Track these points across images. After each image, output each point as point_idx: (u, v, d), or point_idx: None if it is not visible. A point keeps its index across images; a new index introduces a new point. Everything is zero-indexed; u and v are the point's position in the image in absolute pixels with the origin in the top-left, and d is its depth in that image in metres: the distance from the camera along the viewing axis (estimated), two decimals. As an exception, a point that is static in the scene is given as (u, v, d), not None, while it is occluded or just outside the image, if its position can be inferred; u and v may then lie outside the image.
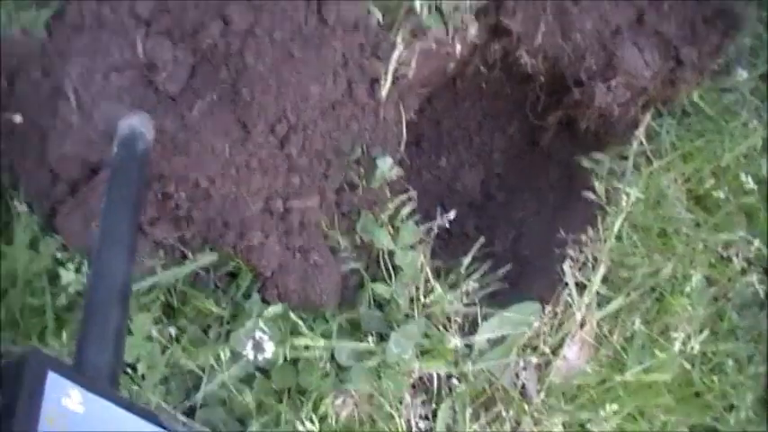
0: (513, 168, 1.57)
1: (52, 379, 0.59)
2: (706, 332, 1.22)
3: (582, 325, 1.21)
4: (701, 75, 1.27)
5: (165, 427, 0.67)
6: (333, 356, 1.14)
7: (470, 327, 1.19)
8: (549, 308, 1.20)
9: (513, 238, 1.47)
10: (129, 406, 0.66)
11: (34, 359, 0.59)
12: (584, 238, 1.25)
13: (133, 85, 1.18)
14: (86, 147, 1.13)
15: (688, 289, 1.24)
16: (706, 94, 1.35)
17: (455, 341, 1.15)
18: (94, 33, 1.19)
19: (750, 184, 1.31)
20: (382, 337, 1.16)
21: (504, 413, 1.16)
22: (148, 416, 0.66)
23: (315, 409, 1.11)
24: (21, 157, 1.17)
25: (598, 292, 1.23)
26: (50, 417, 0.56)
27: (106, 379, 0.69)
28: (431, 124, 1.56)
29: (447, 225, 1.21)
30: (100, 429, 0.61)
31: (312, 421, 1.09)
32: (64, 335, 1.09)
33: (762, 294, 1.29)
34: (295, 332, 1.13)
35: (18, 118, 1.15)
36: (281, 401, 1.13)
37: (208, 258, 1.15)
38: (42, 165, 1.15)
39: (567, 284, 1.22)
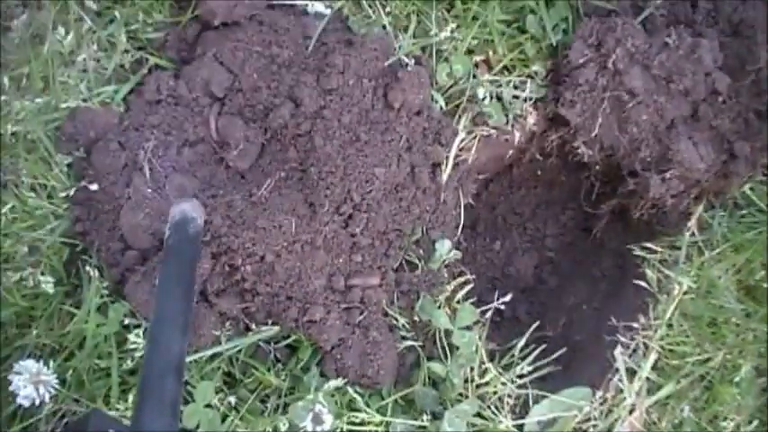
0: (566, 255, 1.66)
1: None
2: (755, 422, 1.29)
3: (631, 411, 1.28)
4: (753, 168, 1.34)
5: None
6: (387, 432, 1.22)
7: (522, 409, 1.27)
8: (599, 393, 1.29)
9: (564, 323, 1.54)
10: None
11: (97, 418, 0.64)
12: (635, 325, 1.34)
13: (205, 161, 1.30)
14: (158, 218, 1.24)
15: (737, 378, 1.30)
16: (757, 186, 1.42)
17: (507, 422, 1.23)
18: (170, 109, 1.31)
19: (800, 276, 1.38)
20: (435, 416, 1.24)
21: (553, 497, 1.23)
22: None
23: (369, 483, 1.19)
24: (94, 225, 1.27)
25: (648, 379, 1.30)
26: None
27: None
28: (487, 209, 1.66)
29: (501, 308, 1.30)
30: None
31: (366, 496, 1.18)
32: (129, 398, 1.19)
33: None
34: (352, 407, 1.21)
35: (94, 186, 1.26)
36: (335, 474, 1.21)
37: (270, 331, 1.25)
38: (115, 233, 1.26)
39: (617, 370, 1.30)
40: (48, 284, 1.25)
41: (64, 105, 1.31)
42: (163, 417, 0.84)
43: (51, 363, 1.16)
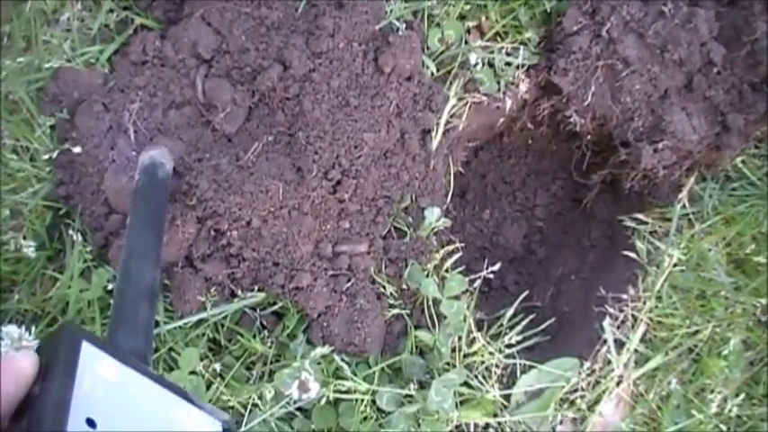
0: (556, 225, 1.66)
1: (87, 349, 0.62)
2: (742, 396, 1.29)
3: (619, 382, 1.29)
4: (746, 141, 1.34)
5: (194, 404, 0.70)
6: (374, 401, 1.22)
7: (509, 379, 1.27)
8: (587, 364, 1.29)
9: (552, 293, 1.54)
10: (161, 380, 0.70)
11: (69, 330, 0.63)
12: (624, 296, 1.34)
13: (191, 124, 1.28)
14: (142, 181, 1.22)
15: (726, 351, 1.31)
16: (749, 159, 1.42)
17: (494, 392, 1.23)
18: (156, 70, 1.29)
19: (791, 250, 1.38)
20: (422, 385, 1.24)
21: (539, 466, 1.24)
22: (179, 391, 0.70)
23: (354, 451, 1.19)
24: (78, 188, 1.25)
25: (636, 351, 1.30)
26: (85, 381, 0.60)
27: (138, 359, 0.72)
28: (476, 177, 1.65)
29: (489, 277, 1.29)
30: (133, 398, 0.65)
31: (351, 463, 1.17)
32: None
33: (799, 361, 1.36)
34: (338, 375, 1.21)
35: (78, 149, 1.24)
36: (320, 442, 1.21)
37: (256, 298, 1.24)
38: (98, 196, 1.24)
39: (605, 342, 1.30)
40: (30, 249, 1.23)
41: (47, 65, 1.29)
42: (137, 338, 0.85)
43: (33, 328, 1.13)
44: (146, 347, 0.86)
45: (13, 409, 0.56)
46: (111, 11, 1.33)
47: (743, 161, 1.42)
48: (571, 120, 1.36)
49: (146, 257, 0.98)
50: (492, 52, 1.36)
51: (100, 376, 0.63)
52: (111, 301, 1.18)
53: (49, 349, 0.61)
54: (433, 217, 1.30)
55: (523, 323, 1.28)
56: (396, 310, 1.26)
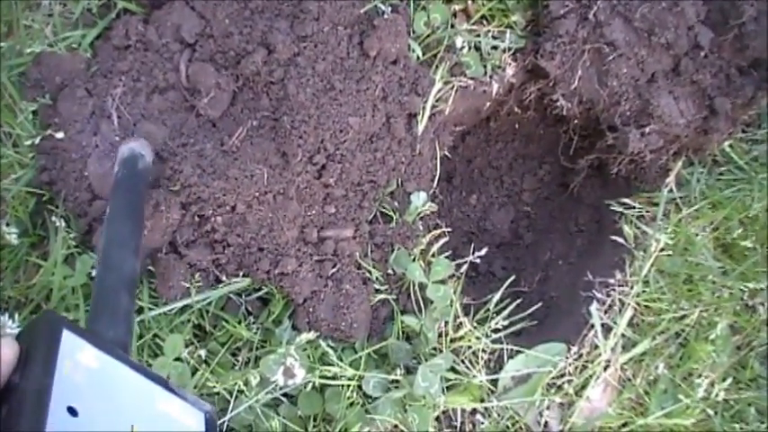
0: (543, 210, 1.66)
1: (67, 336, 0.62)
2: (729, 380, 1.30)
3: (606, 367, 1.29)
4: (733, 125, 1.34)
5: (176, 393, 0.71)
6: (360, 386, 1.22)
7: (496, 364, 1.27)
8: (574, 349, 1.29)
9: (539, 278, 1.54)
10: (141, 368, 0.70)
11: (50, 318, 0.63)
12: (611, 281, 1.34)
13: (174, 108, 1.27)
14: (126, 167, 1.21)
15: (713, 336, 1.31)
16: (737, 144, 1.42)
17: (481, 377, 1.23)
18: (139, 55, 1.28)
19: (778, 234, 1.38)
20: (409, 370, 1.24)
21: (526, 451, 1.24)
22: (159, 380, 0.71)
23: (340, 437, 1.19)
24: (61, 174, 1.24)
25: (623, 336, 1.30)
26: (66, 369, 0.60)
27: (119, 348, 0.72)
28: (463, 162, 1.65)
29: (476, 262, 1.29)
30: (115, 387, 0.65)
31: (337, 449, 1.17)
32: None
33: (786, 345, 1.36)
34: (324, 361, 1.21)
35: (60, 134, 1.24)
36: (306, 428, 1.21)
37: (241, 283, 1.24)
38: (82, 182, 1.23)
39: (593, 326, 1.30)
40: (12, 235, 1.23)
41: (29, 50, 1.28)
42: (117, 327, 0.85)
43: (17, 315, 1.14)
44: (126, 336, 0.86)
45: None
46: (94, -6, 1.32)
47: (730, 145, 1.43)
48: (558, 104, 1.36)
49: (125, 247, 0.98)
50: (478, 36, 1.36)
51: (81, 365, 0.63)
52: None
53: (30, 337, 0.61)
54: (420, 201, 1.30)
55: (510, 308, 1.27)
56: (382, 296, 1.26)
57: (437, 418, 1.23)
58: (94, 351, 0.66)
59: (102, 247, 0.98)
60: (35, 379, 0.57)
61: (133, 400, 0.67)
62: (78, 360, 0.63)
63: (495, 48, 1.37)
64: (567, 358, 1.28)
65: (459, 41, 1.33)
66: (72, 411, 0.58)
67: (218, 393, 1.18)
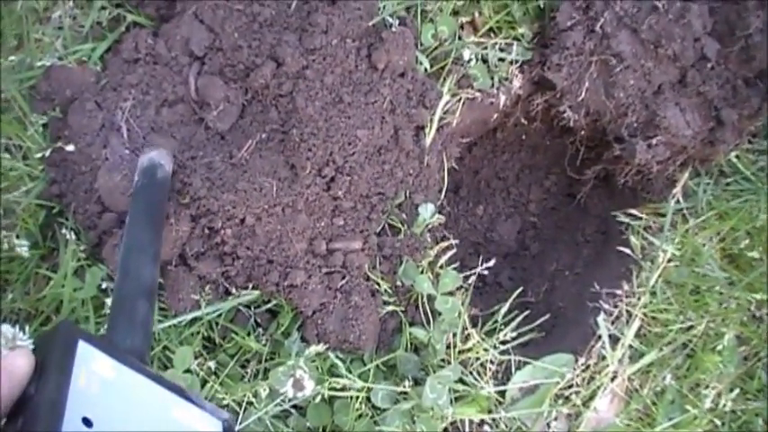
0: (549, 220, 1.66)
1: (83, 347, 0.63)
2: (736, 391, 1.30)
3: (613, 378, 1.29)
4: (740, 136, 1.34)
5: (194, 402, 0.70)
6: (369, 398, 1.22)
7: (504, 375, 1.28)
8: (581, 360, 1.29)
9: (546, 289, 1.54)
10: (157, 378, 0.70)
11: (65, 329, 0.63)
12: (618, 292, 1.35)
13: (184, 121, 1.28)
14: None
15: (720, 347, 1.31)
16: (743, 154, 1.42)
17: (489, 388, 1.23)
18: (148, 68, 1.29)
19: (785, 245, 1.39)
20: (417, 382, 1.24)
21: (534, 462, 1.24)
22: (178, 390, 0.70)
23: (350, 448, 1.19)
24: (71, 186, 1.25)
25: (630, 346, 1.31)
26: (81, 380, 0.60)
27: (136, 358, 0.72)
28: (470, 173, 1.65)
29: (483, 273, 1.30)
30: (131, 397, 0.65)
31: (347, 461, 1.18)
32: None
33: (793, 356, 1.37)
34: (333, 372, 1.21)
35: (70, 147, 1.24)
36: (315, 440, 1.22)
37: (250, 295, 1.24)
38: (91, 195, 1.24)
39: (600, 337, 1.31)
40: (23, 248, 1.23)
41: (39, 64, 1.28)
42: (135, 336, 0.85)
43: (27, 327, 1.14)
44: (144, 345, 0.86)
45: (9, 408, 0.56)
46: (104, 8, 1.33)
47: (737, 156, 1.43)
48: (565, 115, 1.37)
49: (144, 255, 0.98)
50: (485, 48, 1.37)
51: (96, 375, 0.63)
52: (109, 300, 1.19)
53: (45, 348, 0.61)
54: (427, 213, 1.30)
55: (518, 319, 1.28)
56: (390, 307, 1.26)
57: (445, 430, 1.23)
58: (110, 361, 0.66)
59: (122, 254, 0.98)
60: (50, 390, 0.57)
61: (149, 409, 0.67)
62: (94, 370, 0.63)
63: (502, 60, 1.38)
64: (575, 369, 1.28)
65: (466, 54, 1.34)
66: (87, 422, 0.58)
67: (227, 405, 1.19)
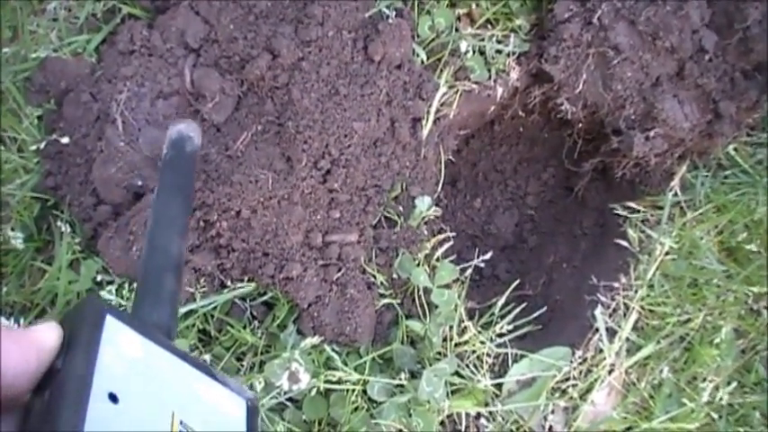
0: (547, 213, 1.66)
1: (110, 322, 0.61)
2: (734, 384, 1.30)
3: (611, 371, 1.29)
4: (738, 128, 1.34)
5: (218, 380, 0.69)
6: (365, 391, 1.22)
7: (500, 368, 1.27)
8: (578, 353, 1.29)
9: (544, 282, 1.54)
10: (183, 354, 0.68)
11: (93, 303, 0.63)
12: (616, 285, 1.34)
13: (179, 113, 1.28)
14: (131, 172, 1.22)
15: (717, 340, 1.31)
16: (741, 147, 1.42)
17: (485, 381, 1.23)
18: (143, 60, 1.28)
19: (782, 237, 1.38)
20: (414, 375, 1.24)
21: (531, 456, 1.24)
22: (203, 368, 0.69)
23: (345, 441, 1.19)
24: (66, 179, 1.25)
25: (628, 339, 1.30)
26: (108, 355, 0.59)
27: (163, 334, 0.70)
28: (467, 166, 1.65)
29: (480, 266, 1.29)
30: (156, 373, 0.64)
31: (342, 454, 1.18)
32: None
33: (791, 349, 1.37)
34: (329, 365, 1.21)
35: (65, 139, 1.24)
36: (311, 433, 1.21)
37: (246, 288, 1.24)
38: (87, 187, 1.24)
39: (597, 330, 1.30)
40: (18, 240, 1.23)
41: (34, 55, 1.28)
42: (161, 311, 0.83)
43: (22, 320, 1.14)
44: (170, 320, 0.84)
45: (36, 381, 0.56)
46: (99, 0, 1.32)
47: (735, 149, 1.42)
48: (562, 107, 1.36)
49: (172, 229, 0.96)
50: (482, 40, 1.36)
51: (123, 351, 0.62)
52: (104, 293, 1.19)
53: (72, 322, 0.61)
54: (424, 206, 1.30)
55: (515, 312, 1.28)
56: (386, 300, 1.26)
57: (441, 423, 1.23)
58: (137, 337, 0.65)
59: (149, 228, 0.96)
60: (77, 364, 0.57)
61: (174, 385, 0.66)
62: (120, 346, 0.62)
63: (499, 52, 1.37)
64: (572, 362, 1.28)
65: (463, 45, 1.33)
66: (113, 398, 0.58)
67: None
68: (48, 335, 0.57)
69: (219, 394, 0.69)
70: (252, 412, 0.70)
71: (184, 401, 0.65)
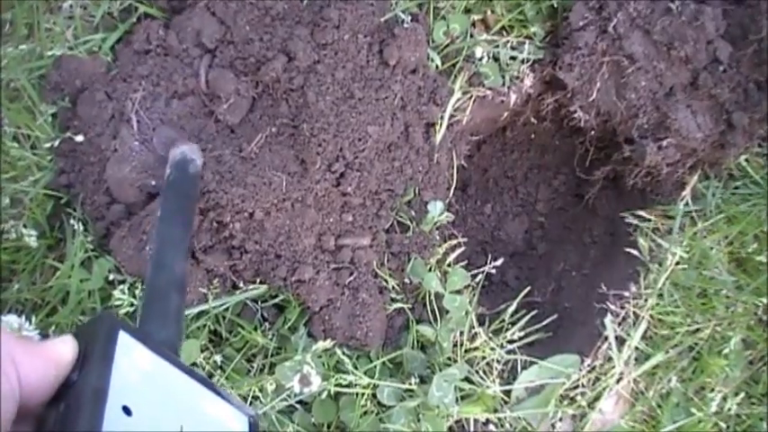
0: (557, 220, 1.66)
1: (123, 338, 0.63)
2: (742, 394, 1.30)
3: (619, 380, 1.29)
4: (750, 139, 1.34)
5: (222, 396, 0.71)
6: (374, 395, 1.22)
7: (510, 374, 1.28)
8: (587, 361, 1.29)
9: (553, 289, 1.55)
10: (189, 370, 0.70)
11: (107, 319, 0.64)
12: (625, 293, 1.34)
13: (194, 114, 1.28)
14: (144, 171, 1.22)
15: (726, 350, 1.31)
16: (753, 158, 1.42)
17: (495, 388, 1.23)
18: (159, 60, 1.29)
19: (792, 249, 1.39)
20: (423, 380, 1.24)
21: (539, 463, 1.24)
22: (206, 382, 0.71)
23: (354, 445, 1.19)
24: (79, 177, 1.25)
25: (637, 348, 1.31)
26: (122, 369, 0.60)
27: (169, 350, 0.72)
28: (478, 171, 1.65)
29: (490, 272, 1.29)
30: (165, 388, 0.66)
31: (352, 457, 1.18)
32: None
33: (798, 361, 1.37)
34: (340, 369, 1.21)
35: (80, 138, 1.24)
36: (320, 436, 1.22)
37: (258, 290, 1.24)
38: (100, 186, 1.24)
39: (606, 339, 1.31)
40: (30, 237, 1.23)
41: (49, 53, 1.28)
42: (168, 328, 0.87)
43: (33, 318, 1.14)
44: (176, 338, 0.88)
45: (52, 393, 0.57)
46: (115, -1, 1.33)
47: (746, 160, 1.43)
48: (575, 115, 1.37)
49: (176, 249, 1.00)
50: (497, 46, 1.37)
51: (135, 365, 0.64)
52: (116, 292, 1.19)
53: (87, 336, 0.62)
54: (436, 211, 1.30)
55: (525, 319, 1.28)
56: (398, 305, 1.26)
57: (450, 428, 1.23)
58: (147, 352, 0.67)
59: (154, 248, 1.00)
60: (93, 377, 0.58)
61: (182, 401, 0.68)
62: (133, 361, 0.64)
63: (513, 58, 1.38)
64: (581, 370, 1.28)
65: (478, 52, 1.34)
66: (126, 411, 0.59)
67: (233, 399, 1.18)
68: (64, 348, 0.59)
69: (224, 410, 0.71)
70: (253, 429, 0.72)
71: (192, 416, 0.67)
